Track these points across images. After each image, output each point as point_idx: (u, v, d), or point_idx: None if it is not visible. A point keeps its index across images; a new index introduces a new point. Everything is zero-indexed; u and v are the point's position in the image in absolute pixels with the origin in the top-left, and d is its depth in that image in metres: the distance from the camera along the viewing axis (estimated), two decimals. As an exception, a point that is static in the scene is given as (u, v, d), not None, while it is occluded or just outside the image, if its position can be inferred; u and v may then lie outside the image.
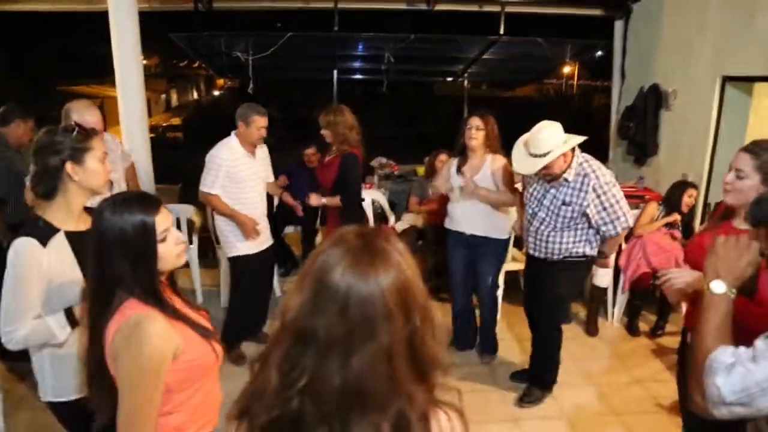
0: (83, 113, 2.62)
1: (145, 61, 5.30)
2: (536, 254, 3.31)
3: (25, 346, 1.84)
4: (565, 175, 3.06)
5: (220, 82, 30.20)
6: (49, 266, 1.77)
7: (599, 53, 7.72)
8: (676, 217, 4.27)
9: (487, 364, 3.95)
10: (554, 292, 3.33)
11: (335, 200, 3.79)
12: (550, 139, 2.94)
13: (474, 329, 4.08)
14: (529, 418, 3.36)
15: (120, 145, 4.02)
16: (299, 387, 0.90)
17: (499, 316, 4.39)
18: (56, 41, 16.14)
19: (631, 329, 4.41)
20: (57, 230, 1.81)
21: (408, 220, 5.29)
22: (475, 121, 3.56)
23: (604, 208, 3.05)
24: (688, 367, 1.58)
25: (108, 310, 1.45)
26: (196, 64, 26.28)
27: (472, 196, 3.54)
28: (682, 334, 2.68)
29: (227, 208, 3.66)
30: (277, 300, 4.91)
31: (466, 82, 8.06)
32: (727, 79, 4.52)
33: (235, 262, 3.83)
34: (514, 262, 4.67)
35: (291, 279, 5.45)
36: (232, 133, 3.68)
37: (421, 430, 0.92)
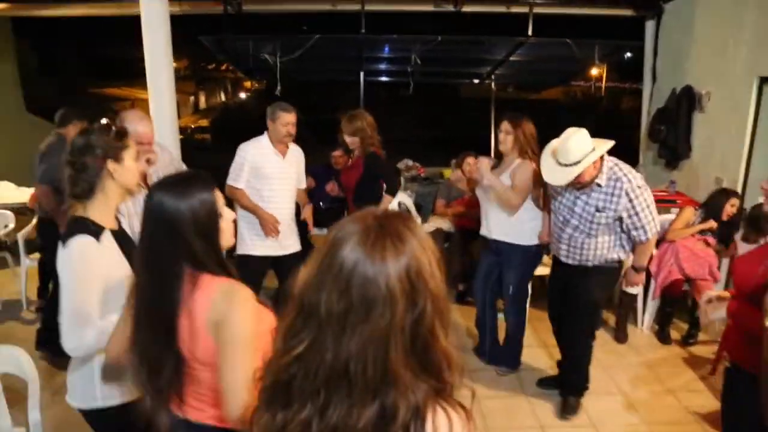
0: (136, 124, 2.66)
1: (174, 64, 5.37)
2: (569, 261, 3.24)
3: (94, 350, 1.78)
4: (597, 181, 2.99)
5: (248, 84, 30.48)
6: (103, 265, 1.78)
7: (628, 54, 7.59)
8: (712, 224, 4.15)
9: (503, 375, 3.83)
10: (588, 297, 3.25)
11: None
12: (579, 147, 2.87)
13: (491, 339, 3.94)
14: (557, 426, 3.30)
15: (170, 153, 4.02)
16: (294, 354, 0.90)
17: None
18: (88, 44, 16.48)
19: (662, 337, 4.31)
20: (103, 228, 1.83)
21: (434, 223, 5.26)
22: (504, 125, 3.49)
23: (636, 213, 2.98)
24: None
25: (178, 291, 1.45)
26: (224, 67, 26.61)
27: (477, 178, 3.54)
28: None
29: (250, 202, 3.64)
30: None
31: (492, 84, 8.00)
32: (764, 80, 4.39)
33: (239, 260, 3.73)
34: (540, 267, 4.59)
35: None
36: (265, 132, 3.69)
37: (410, 424, 0.88)
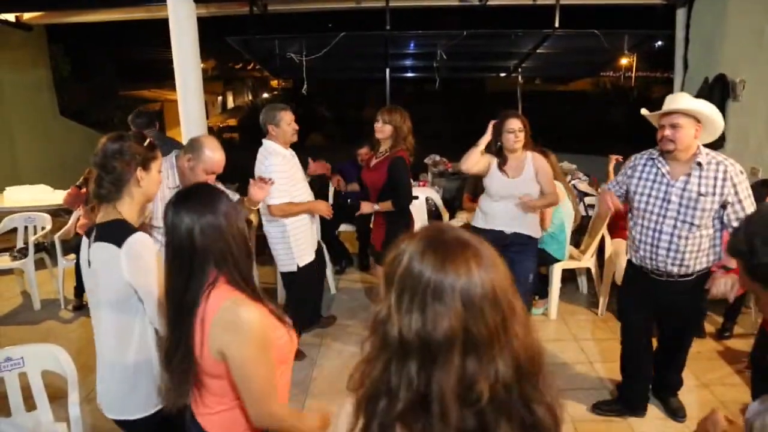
0: (215, 151, 2.69)
1: (202, 65, 5.45)
2: (670, 268, 2.82)
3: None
4: (697, 159, 2.68)
5: (274, 83, 30.73)
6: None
7: (659, 43, 7.44)
8: None
9: None
10: (698, 309, 3.03)
11: (387, 204, 3.70)
12: (689, 98, 2.68)
13: None
14: (588, 420, 3.26)
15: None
16: (478, 404, 0.88)
17: (553, 316, 4.31)
18: (119, 48, 16.80)
19: (697, 331, 4.23)
20: (137, 229, 1.88)
21: (462, 218, 5.24)
22: (516, 124, 3.50)
23: (740, 200, 2.64)
24: None
25: (198, 288, 1.49)
26: (250, 66, 26.84)
27: (528, 211, 3.58)
28: (758, 336, 2.54)
29: (301, 205, 3.63)
30: (332, 297, 4.98)
31: (519, 78, 7.93)
32: (800, 67, 4.28)
33: (302, 271, 3.74)
34: (571, 260, 4.56)
35: (345, 277, 5.51)
36: (267, 141, 3.58)
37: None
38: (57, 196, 5.74)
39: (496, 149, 3.62)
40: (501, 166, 3.61)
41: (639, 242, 2.92)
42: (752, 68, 4.74)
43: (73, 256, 4.85)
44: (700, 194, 2.67)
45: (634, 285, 3.06)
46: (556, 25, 5.65)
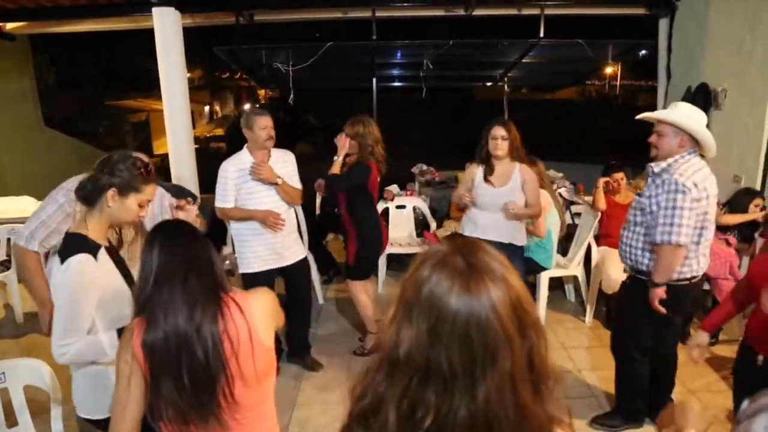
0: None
1: (188, 74, 5.43)
2: (626, 263, 3.04)
3: (75, 362, 1.89)
4: (654, 167, 2.82)
5: (262, 93, 30.72)
6: (99, 281, 1.84)
7: (643, 52, 7.52)
8: (735, 218, 4.15)
9: None
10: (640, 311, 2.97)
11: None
12: (682, 109, 2.77)
13: None
14: (583, 429, 3.26)
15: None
16: (425, 428, 0.85)
17: (541, 320, 4.31)
18: (104, 58, 16.74)
19: (683, 337, 4.25)
20: (100, 246, 1.88)
21: (450, 227, 5.26)
22: (500, 131, 3.49)
23: (660, 209, 2.71)
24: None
25: (218, 311, 1.52)
26: (237, 76, 26.84)
27: (511, 219, 3.54)
28: (739, 349, 2.57)
29: (242, 211, 3.50)
30: (320, 307, 4.96)
31: (506, 87, 7.99)
32: (781, 77, 4.35)
33: (245, 278, 3.63)
34: (558, 269, 4.58)
35: (334, 286, 5.49)
36: (245, 147, 3.55)
37: None
38: (41, 208, 5.67)
39: (484, 157, 3.61)
40: (487, 175, 3.60)
41: (632, 246, 3.01)
42: (734, 77, 4.82)
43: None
44: (642, 195, 2.87)
45: (634, 295, 3.07)
46: (541, 34, 5.70)
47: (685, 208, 2.65)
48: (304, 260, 3.84)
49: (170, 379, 1.46)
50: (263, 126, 3.44)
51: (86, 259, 1.81)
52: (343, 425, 0.97)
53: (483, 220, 3.64)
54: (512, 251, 3.62)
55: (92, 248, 1.85)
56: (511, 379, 0.85)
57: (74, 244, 1.85)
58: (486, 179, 3.60)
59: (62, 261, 1.81)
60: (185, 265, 1.51)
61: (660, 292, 2.79)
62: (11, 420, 2.37)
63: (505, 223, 3.58)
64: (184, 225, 1.65)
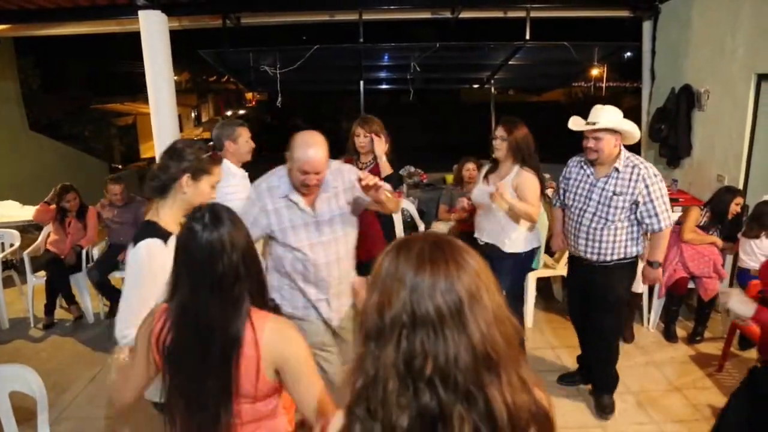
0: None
1: (175, 78, 5.42)
2: (588, 256, 3.21)
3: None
4: (615, 165, 3.05)
5: (249, 95, 30.64)
6: (169, 266, 1.80)
7: (628, 54, 7.60)
8: (719, 242, 4.21)
9: None
10: (614, 295, 3.22)
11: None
12: (609, 113, 3.00)
13: None
14: (566, 427, 3.29)
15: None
16: (427, 377, 0.90)
17: (529, 324, 4.36)
18: (90, 61, 16.62)
19: (669, 335, 4.30)
20: (170, 233, 1.91)
21: (438, 229, 5.27)
22: (499, 131, 3.37)
23: (651, 200, 2.99)
24: None
25: (238, 314, 1.44)
26: (225, 79, 26.74)
27: (494, 200, 3.27)
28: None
29: None
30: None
31: (492, 89, 8.03)
32: (762, 78, 4.41)
33: None
34: (545, 269, 4.62)
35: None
36: (224, 161, 3.14)
37: (531, 394, 0.97)
38: (26, 212, 5.62)
39: (492, 157, 3.53)
40: (488, 174, 3.52)
41: (568, 233, 3.38)
42: (716, 79, 4.88)
43: (43, 273, 4.75)
44: (614, 194, 3.06)
45: (571, 270, 3.54)
46: (527, 37, 5.75)
47: (665, 193, 3.05)
48: None
49: (182, 375, 1.46)
50: (248, 138, 3.40)
51: (156, 244, 1.85)
52: (346, 407, 0.99)
53: (478, 219, 3.62)
54: (502, 257, 3.41)
55: (163, 235, 1.89)
56: (496, 318, 0.94)
57: (146, 230, 1.89)
58: (485, 178, 3.53)
59: (134, 244, 1.85)
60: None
61: (660, 270, 3.27)
62: (-3, 426, 2.36)
63: (495, 227, 3.44)
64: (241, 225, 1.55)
